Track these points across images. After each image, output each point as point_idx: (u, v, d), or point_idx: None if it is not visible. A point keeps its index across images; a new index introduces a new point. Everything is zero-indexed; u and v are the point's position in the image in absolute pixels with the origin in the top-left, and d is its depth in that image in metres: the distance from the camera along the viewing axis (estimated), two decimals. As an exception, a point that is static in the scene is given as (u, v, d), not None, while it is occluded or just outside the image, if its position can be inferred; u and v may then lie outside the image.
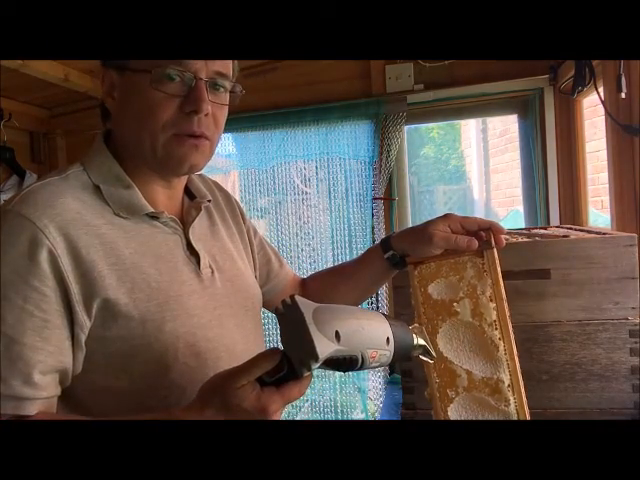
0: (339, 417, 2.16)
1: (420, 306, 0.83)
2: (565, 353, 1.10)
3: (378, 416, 1.85)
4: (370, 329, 0.61)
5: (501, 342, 0.79)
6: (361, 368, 0.61)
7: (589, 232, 1.24)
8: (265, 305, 1.03)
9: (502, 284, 0.80)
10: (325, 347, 0.56)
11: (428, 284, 0.84)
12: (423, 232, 0.85)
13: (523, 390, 0.78)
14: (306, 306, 0.58)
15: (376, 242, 2.06)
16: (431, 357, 0.70)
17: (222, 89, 0.77)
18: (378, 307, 2.07)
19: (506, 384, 0.78)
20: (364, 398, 2.10)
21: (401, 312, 1.20)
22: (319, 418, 2.15)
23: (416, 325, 0.70)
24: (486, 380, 0.79)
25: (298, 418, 2.18)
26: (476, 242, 0.82)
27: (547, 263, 1.11)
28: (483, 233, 0.83)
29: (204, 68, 0.73)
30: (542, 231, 1.40)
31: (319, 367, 0.58)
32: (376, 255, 0.95)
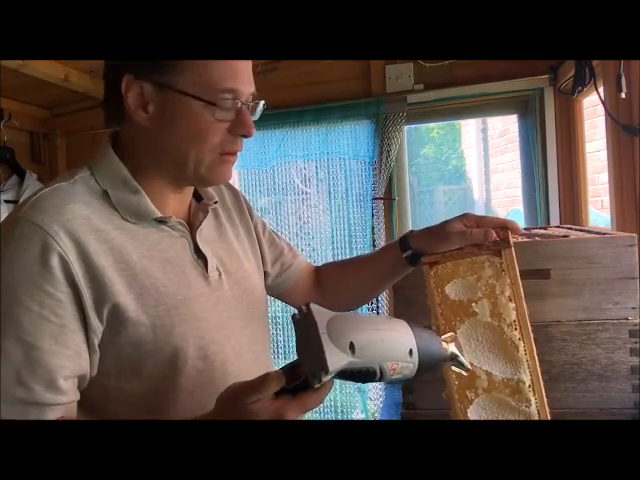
0: (339, 417, 2.16)
1: (437, 307, 0.82)
2: (565, 353, 1.09)
3: (378, 416, 1.85)
4: (391, 340, 0.58)
5: (521, 342, 0.78)
6: (381, 380, 0.58)
7: (589, 232, 1.24)
8: (281, 296, 1.05)
9: (521, 283, 0.79)
10: (337, 359, 0.54)
11: (445, 284, 0.82)
12: (440, 230, 0.86)
13: (544, 390, 0.78)
14: (321, 315, 0.57)
15: (376, 242, 2.08)
16: (465, 369, 0.66)
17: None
18: (378, 307, 2.07)
19: (527, 384, 0.77)
20: (364, 398, 2.10)
21: (401, 312, 1.20)
22: (319, 418, 2.15)
23: (450, 334, 0.67)
24: (506, 381, 0.78)
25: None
26: (493, 233, 0.81)
27: (547, 263, 1.11)
28: (496, 232, 0.83)
29: (245, 92, 0.75)
30: (542, 231, 1.39)
31: (334, 378, 0.56)
32: (394, 252, 0.95)
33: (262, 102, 0.79)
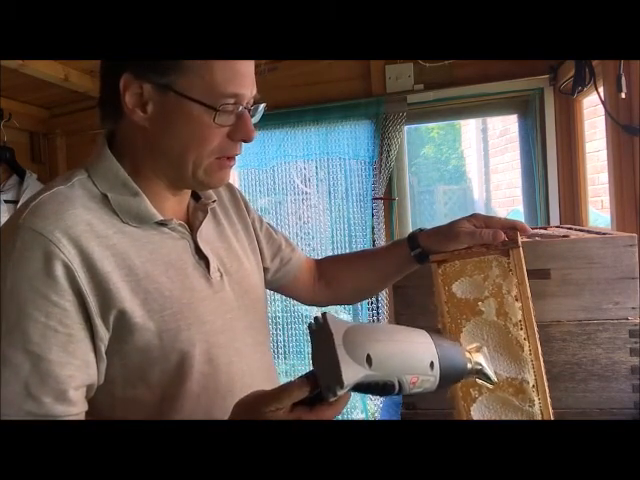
0: (339, 417, 2.16)
1: (444, 305, 0.82)
2: (565, 353, 1.09)
3: (378, 416, 1.85)
4: (410, 352, 0.55)
5: (526, 342, 0.78)
6: (400, 393, 0.56)
7: (589, 232, 1.24)
8: (281, 289, 1.05)
9: (528, 284, 0.79)
10: (353, 373, 0.52)
11: (452, 283, 0.83)
12: (449, 229, 0.87)
13: (547, 391, 0.78)
14: (337, 326, 0.55)
15: (376, 242, 2.09)
16: (491, 382, 0.62)
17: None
18: (378, 307, 2.07)
19: (531, 384, 0.78)
20: (364, 398, 2.10)
21: (401, 312, 1.20)
22: (319, 418, 2.15)
23: (476, 345, 0.63)
24: (510, 380, 0.78)
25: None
26: (502, 234, 0.82)
27: (547, 263, 1.11)
28: (505, 232, 0.83)
29: (247, 96, 0.74)
30: (542, 231, 1.39)
31: (350, 391, 0.55)
32: (402, 249, 0.95)
33: (263, 105, 0.78)
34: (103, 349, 0.68)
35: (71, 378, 0.65)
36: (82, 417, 0.68)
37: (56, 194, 0.70)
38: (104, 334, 0.67)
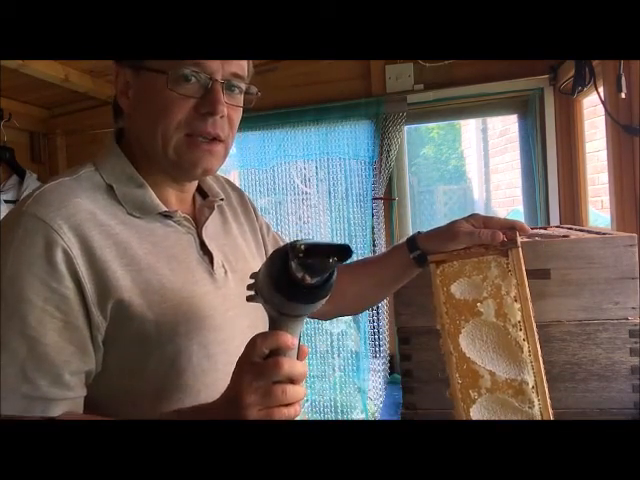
0: (339, 417, 2.16)
1: (442, 306, 0.82)
2: (565, 353, 1.09)
3: (378, 416, 1.85)
4: None
5: (525, 343, 0.78)
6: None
7: (589, 232, 1.24)
8: None
9: (527, 284, 0.79)
10: None
11: (451, 283, 0.82)
12: (448, 230, 0.87)
13: (547, 392, 0.78)
14: None
15: (376, 242, 2.08)
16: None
17: (237, 90, 0.77)
18: (378, 307, 2.07)
19: (530, 386, 0.77)
20: (364, 398, 2.10)
21: (401, 312, 1.20)
22: (319, 418, 2.15)
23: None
24: (510, 381, 0.78)
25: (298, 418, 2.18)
26: (500, 234, 0.82)
27: (547, 263, 1.11)
28: (504, 232, 0.83)
29: (220, 69, 0.72)
30: (542, 231, 1.39)
31: None
32: (402, 253, 0.95)
33: (243, 84, 0.76)
34: (100, 338, 0.69)
35: (67, 363, 0.66)
36: (80, 402, 0.69)
37: (61, 184, 0.72)
38: (100, 323, 0.68)
